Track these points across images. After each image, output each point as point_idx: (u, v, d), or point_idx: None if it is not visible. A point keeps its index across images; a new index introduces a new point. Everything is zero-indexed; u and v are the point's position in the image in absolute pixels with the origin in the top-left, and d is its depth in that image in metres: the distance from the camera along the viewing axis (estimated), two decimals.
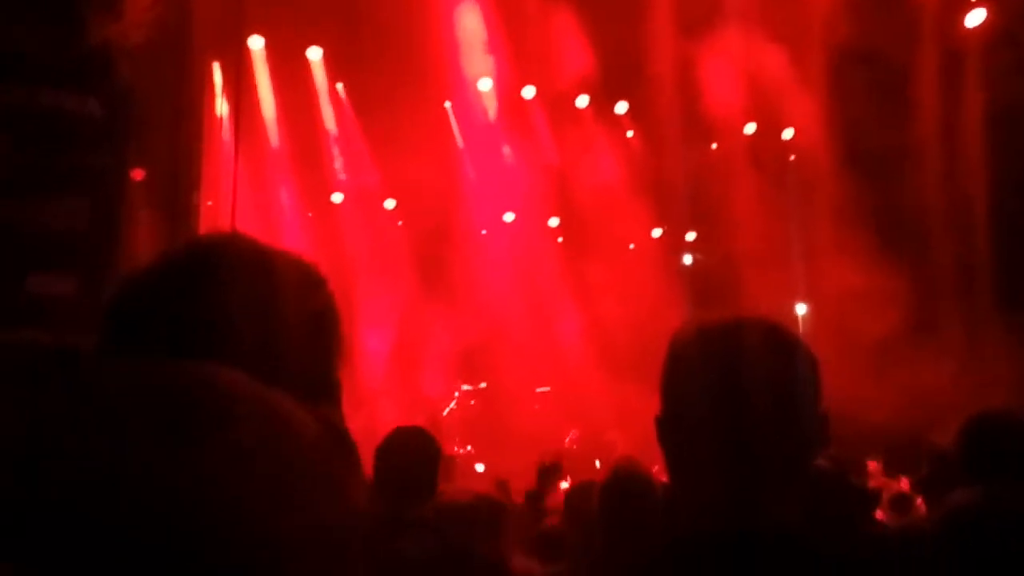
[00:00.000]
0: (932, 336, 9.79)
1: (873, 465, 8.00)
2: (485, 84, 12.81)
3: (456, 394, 12.60)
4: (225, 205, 9.46)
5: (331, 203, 13.26)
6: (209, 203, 10.28)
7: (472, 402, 12.58)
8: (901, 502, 4.85)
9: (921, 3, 10.13)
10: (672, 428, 1.38)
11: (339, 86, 12.77)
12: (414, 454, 3.16)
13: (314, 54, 12.47)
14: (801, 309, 12.02)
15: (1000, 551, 1.99)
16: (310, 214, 13.00)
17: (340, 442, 0.84)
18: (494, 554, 3.20)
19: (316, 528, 0.74)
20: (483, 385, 12.66)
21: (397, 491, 3.06)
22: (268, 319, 0.99)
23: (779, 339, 1.37)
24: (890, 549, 2.83)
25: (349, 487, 0.80)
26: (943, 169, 10.36)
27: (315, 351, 1.03)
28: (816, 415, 1.35)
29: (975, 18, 10.08)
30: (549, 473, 3.97)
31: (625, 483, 3.04)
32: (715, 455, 1.32)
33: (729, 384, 1.32)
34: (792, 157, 12.35)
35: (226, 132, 11.53)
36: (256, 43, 11.93)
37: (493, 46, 11.64)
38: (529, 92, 12.93)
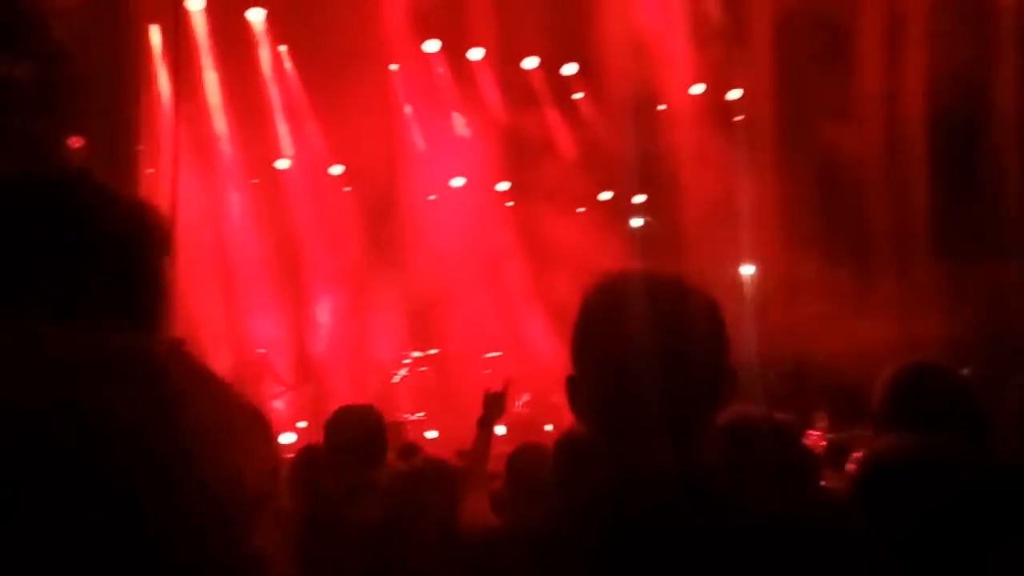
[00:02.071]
0: (875, 292, 10.00)
1: (819, 422, 8.19)
2: (432, 46, 12.66)
3: (407, 361, 12.57)
4: (166, 172, 9.26)
5: (276, 169, 13.04)
6: (151, 170, 10.07)
7: (423, 368, 12.57)
8: (841, 457, 4.97)
9: None
10: (585, 386, 1.41)
11: (282, 49, 12.51)
12: (361, 427, 3.38)
13: (255, 15, 12.19)
14: (748, 270, 12.18)
15: (903, 498, 2.05)
16: (255, 180, 12.78)
17: (253, 412, 0.84)
18: (443, 516, 3.26)
19: (219, 481, 0.74)
20: (434, 351, 12.64)
21: (347, 462, 3.26)
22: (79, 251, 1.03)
23: (687, 294, 1.42)
24: (822, 501, 2.91)
25: (259, 454, 0.80)
26: (885, 130, 10.52)
27: (131, 280, 1.07)
28: (724, 368, 1.40)
29: None
30: (496, 401, 4.09)
31: (581, 440, 3.07)
32: (619, 411, 1.36)
33: (639, 340, 1.36)
34: (738, 118, 12.43)
35: (166, 97, 11.26)
36: (195, 4, 11.63)
37: (440, 7, 11.48)
38: (476, 54, 12.80)
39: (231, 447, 0.76)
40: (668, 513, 1.30)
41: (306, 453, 3.83)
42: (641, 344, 1.36)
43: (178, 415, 0.73)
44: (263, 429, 0.82)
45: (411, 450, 5.18)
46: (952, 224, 10.02)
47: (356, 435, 3.34)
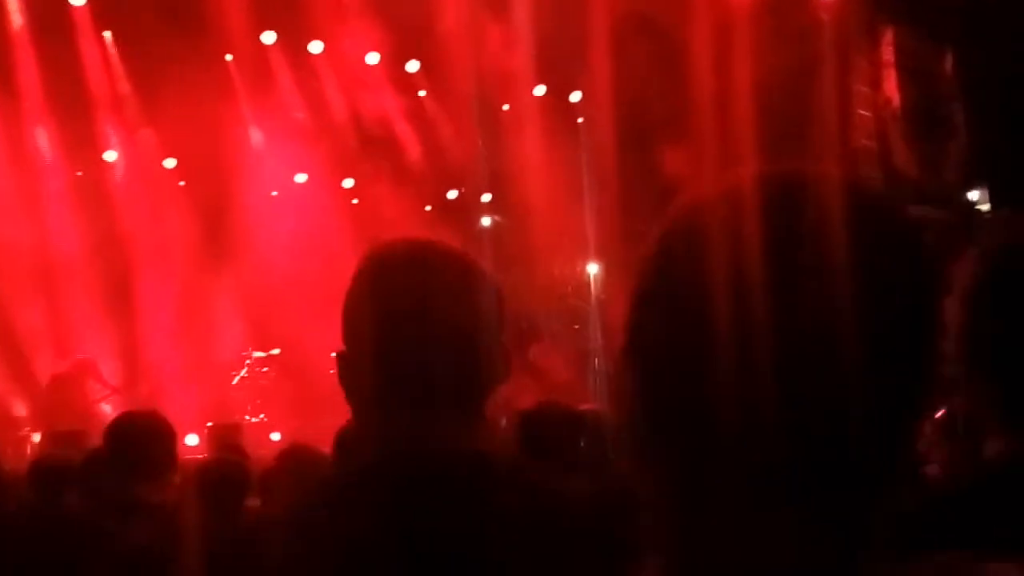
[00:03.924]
0: None
1: None
2: (269, 37, 12.24)
3: (247, 362, 12.13)
4: None
5: (104, 161, 12.31)
6: None
7: (265, 369, 12.16)
8: None
9: None
10: (350, 361, 1.35)
11: (107, 35, 11.80)
12: (145, 436, 3.17)
13: None
14: (593, 269, 12.40)
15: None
16: (79, 173, 12.03)
17: None
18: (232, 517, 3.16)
19: None
20: (276, 351, 12.25)
21: (128, 474, 3.10)
22: None
23: (460, 270, 1.35)
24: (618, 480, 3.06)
25: None
26: (717, 132, 10.93)
27: None
28: (496, 348, 1.34)
29: None
30: None
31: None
32: (388, 387, 1.30)
33: (402, 314, 1.31)
34: (580, 120, 12.67)
35: None
36: None
37: None
38: (317, 47, 12.47)
39: None
40: (440, 484, 1.24)
41: (47, 461, 3.70)
42: (421, 318, 1.30)
43: None
44: None
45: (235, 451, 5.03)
46: None
47: (135, 446, 3.14)
